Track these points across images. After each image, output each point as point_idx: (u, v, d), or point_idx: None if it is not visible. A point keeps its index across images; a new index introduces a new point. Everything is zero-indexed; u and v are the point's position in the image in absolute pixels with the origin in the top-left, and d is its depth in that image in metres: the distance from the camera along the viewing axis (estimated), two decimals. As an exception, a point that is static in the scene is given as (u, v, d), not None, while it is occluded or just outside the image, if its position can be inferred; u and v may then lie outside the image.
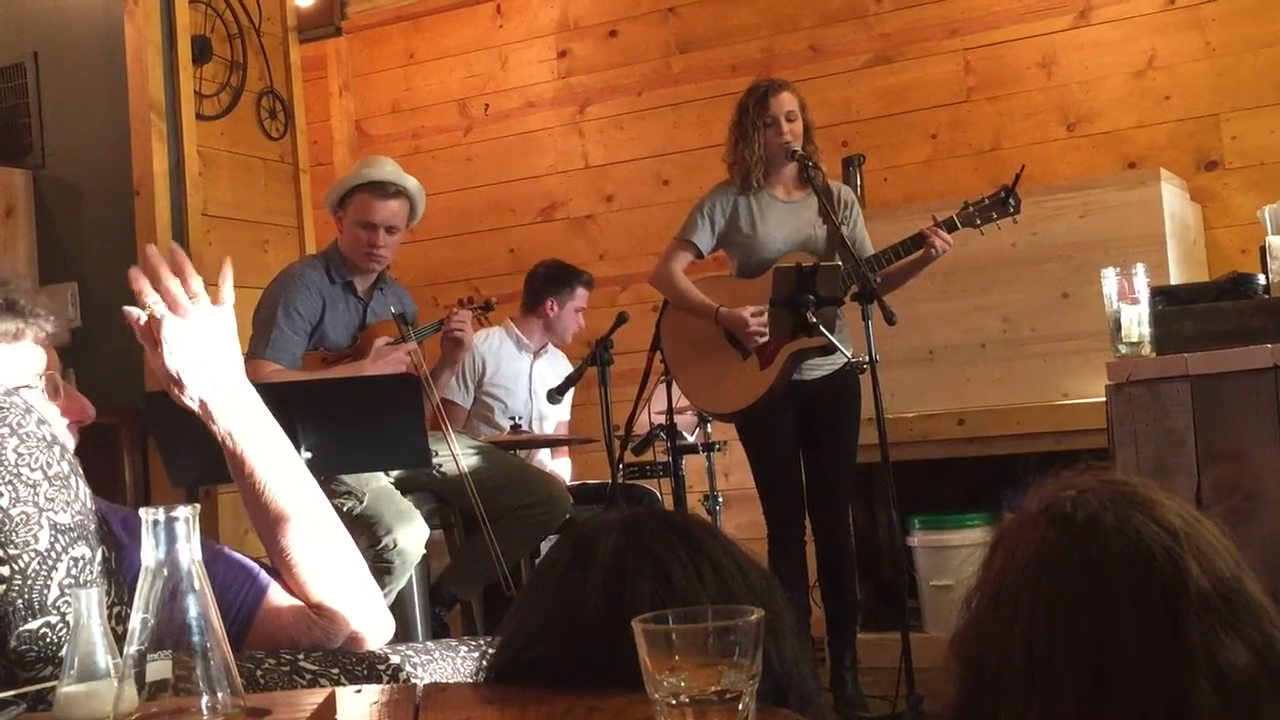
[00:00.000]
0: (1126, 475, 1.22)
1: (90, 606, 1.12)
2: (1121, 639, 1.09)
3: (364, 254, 4.02)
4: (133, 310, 1.52)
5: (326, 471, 3.47)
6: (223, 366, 1.53)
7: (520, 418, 4.71)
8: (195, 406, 1.53)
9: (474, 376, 4.90)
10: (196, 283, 1.53)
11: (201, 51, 4.44)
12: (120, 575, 1.42)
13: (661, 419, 4.39)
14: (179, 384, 1.51)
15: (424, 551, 3.88)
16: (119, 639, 1.07)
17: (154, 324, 1.49)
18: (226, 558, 1.58)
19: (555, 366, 5.11)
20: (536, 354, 5.05)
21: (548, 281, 5.04)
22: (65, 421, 1.63)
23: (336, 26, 6.05)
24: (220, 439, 1.54)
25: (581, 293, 5.05)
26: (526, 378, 4.98)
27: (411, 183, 4.10)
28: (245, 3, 4.66)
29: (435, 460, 3.96)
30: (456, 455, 3.92)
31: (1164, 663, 1.07)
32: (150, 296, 1.50)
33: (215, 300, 1.54)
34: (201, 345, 1.51)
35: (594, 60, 6.07)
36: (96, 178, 4.37)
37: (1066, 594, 1.12)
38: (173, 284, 1.50)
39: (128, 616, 1.04)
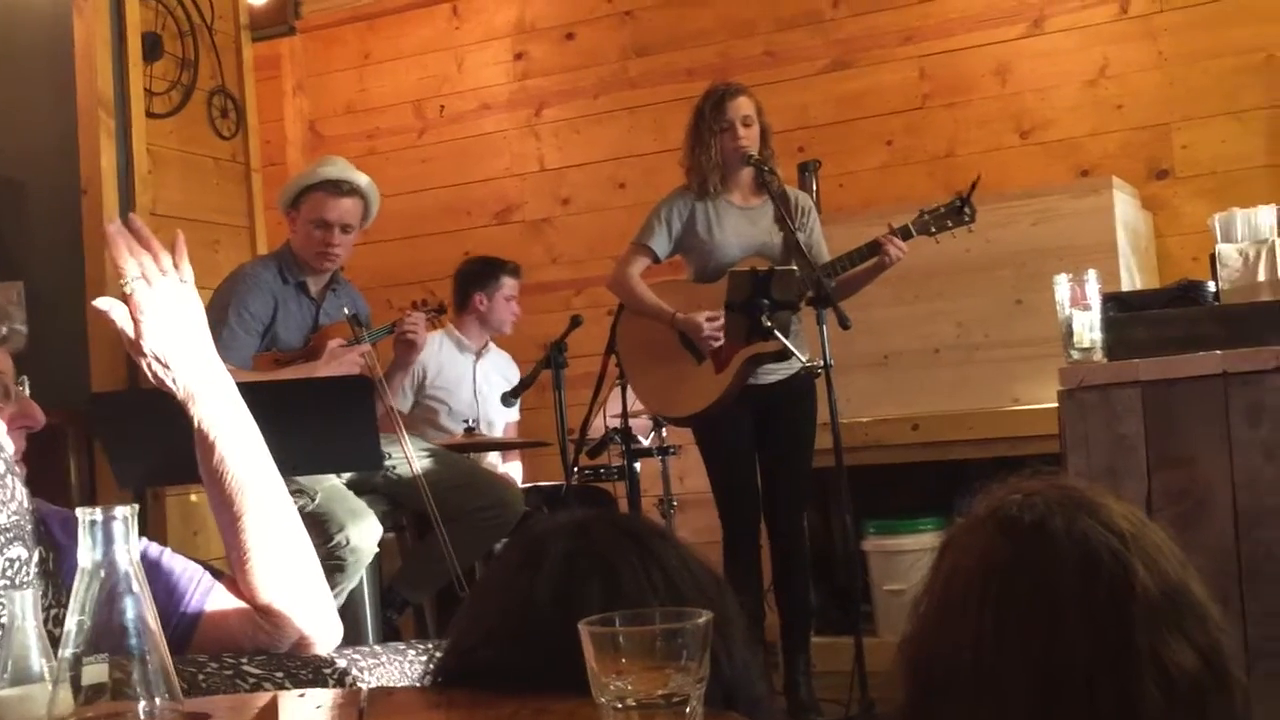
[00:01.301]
0: (1075, 480, 1.22)
1: (25, 608, 1.09)
2: (1069, 642, 1.09)
3: (318, 253, 3.99)
4: (102, 300, 1.46)
5: (279, 473, 3.44)
6: (202, 347, 1.49)
7: (470, 420, 4.68)
8: (179, 390, 1.47)
9: (414, 381, 4.86)
10: (166, 259, 1.48)
11: (152, 49, 4.39)
12: (58, 577, 1.39)
13: (616, 422, 4.38)
14: (163, 363, 1.45)
15: (377, 549, 3.85)
16: (55, 641, 1.05)
17: (131, 304, 1.44)
18: (170, 560, 1.55)
19: (500, 366, 5.09)
20: (479, 354, 5.03)
21: (472, 278, 5.03)
22: (3, 426, 1.58)
23: (290, 25, 6.00)
24: (197, 424, 1.49)
25: (508, 281, 5.02)
26: (470, 379, 4.96)
27: (365, 181, 4.08)
28: (198, 0, 4.61)
29: (388, 463, 3.93)
30: (410, 457, 3.89)
31: (1112, 665, 1.08)
32: (131, 272, 1.44)
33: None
34: (178, 322, 1.46)
35: (550, 63, 6.05)
36: (43, 176, 4.30)
37: (1014, 598, 1.11)
38: (144, 258, 1.45)
39: (64, 619, 1.02)
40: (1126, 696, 1.07)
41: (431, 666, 1.29)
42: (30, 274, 4.27)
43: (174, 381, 1.47)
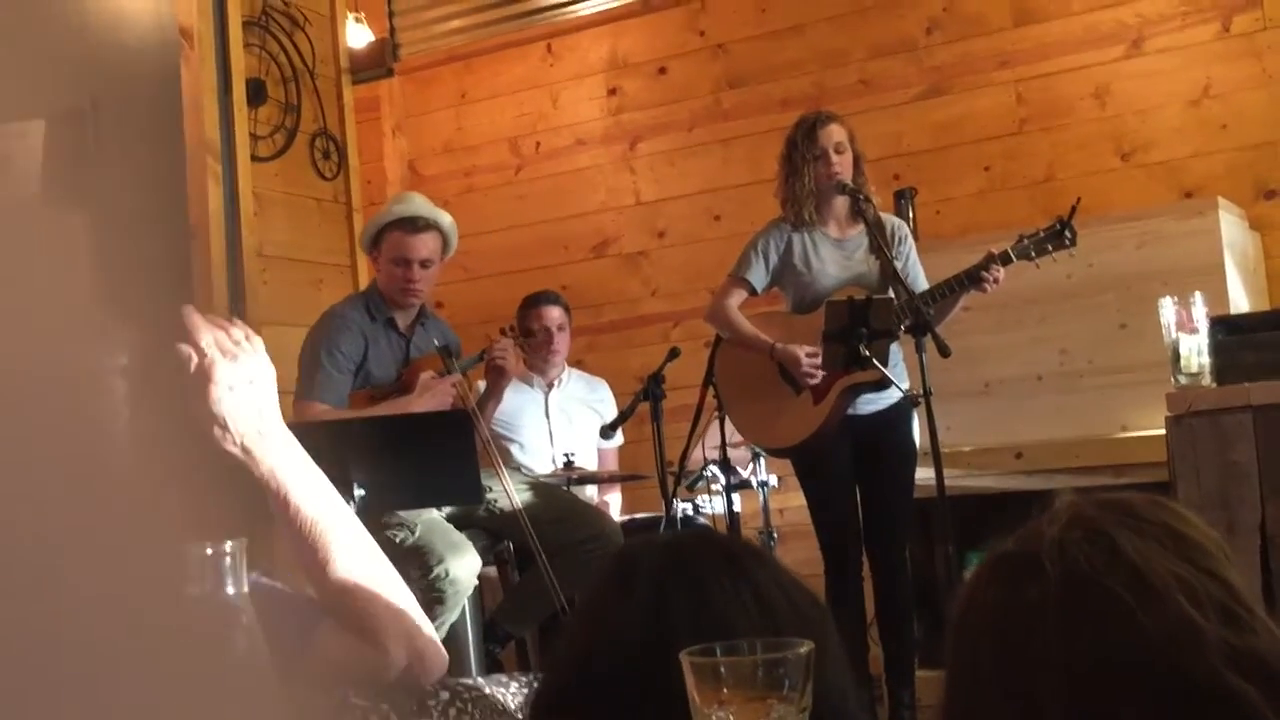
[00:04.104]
0: (1084, 507, 1.08)
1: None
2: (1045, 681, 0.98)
3: (401, 289, 4.07)
4: (185, 348, 1.53)
5: (379, 509, 3.49)
6: (265, 412, 1.54)
7: (572, 454, 4.70)
8: (237, 450, 1.53)
9: None
10: (238, 332, 1.55)
11: (256, 94, 4.51)
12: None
13: (715, 454, 4.37)
14: (223, 426, 1.51)
15: (476, 582, 3.88)
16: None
17: (205, 367, 1.50)
18: (279, 593, 1.58)
19: (580, 393, 5.08)
20: (551, 385, 5.04)
21: (517, 315, 5.04)
22: None
23: (389, 68, 6.11)
24: (263, 483, 1.54)
25: (542, 310, 5.01)
26: (541, 413, 4.97)
27: (442, 216, 4.15)
28: (300, 46, 4.72)
29: (488, 496, 3.96)
30: (509, 490, 3.92)
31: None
32: (205, 339, 1.51)
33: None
34: (248, 389, 1.52)
35: (644, 97, 6.09)
36: (154, 220, 4.42)
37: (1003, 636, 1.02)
38: (219, 333, 1.53)
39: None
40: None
41: (530, 698, 1.29)
42: (141, 315, 4.38)
43: (234, 444, 1.53)
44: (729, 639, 0.93)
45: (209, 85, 4.29)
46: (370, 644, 1.55)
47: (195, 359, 1.51)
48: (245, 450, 1.53)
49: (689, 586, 1.13)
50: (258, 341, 1.57)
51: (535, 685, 1.30)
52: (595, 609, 1.19)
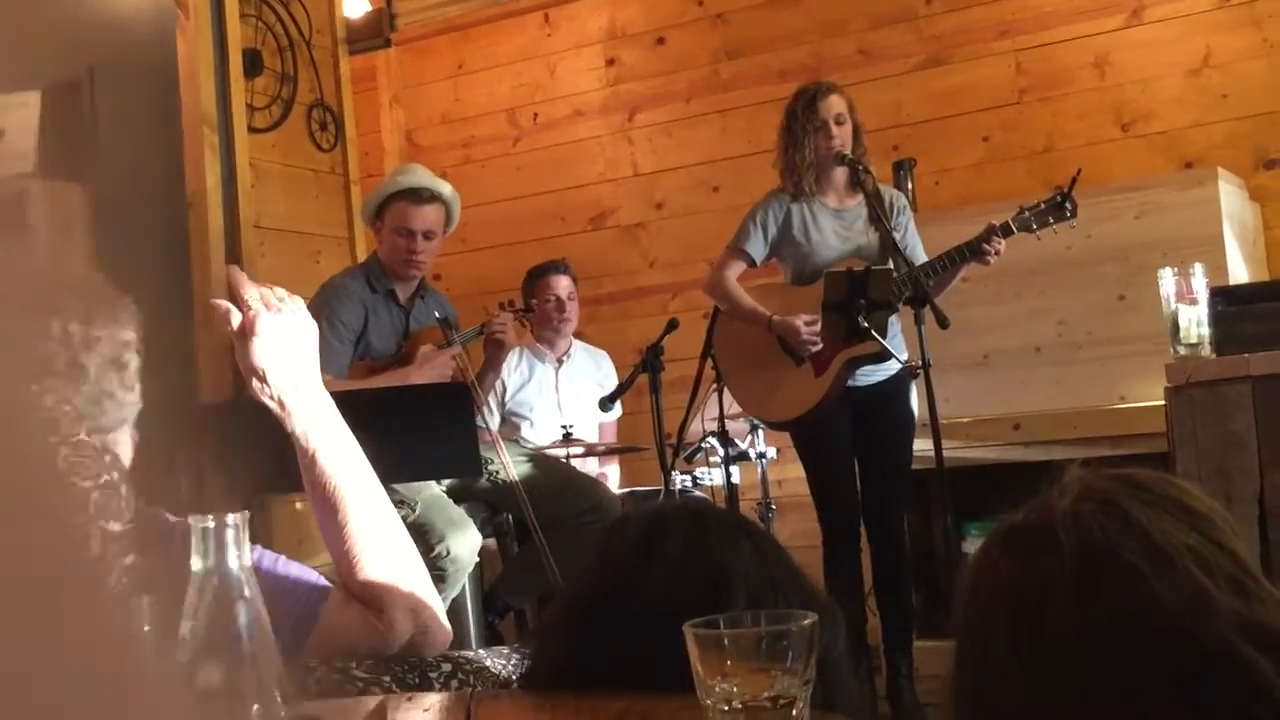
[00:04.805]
0: (1094, 480, 1.08)
1: (139, 616, 1.12)
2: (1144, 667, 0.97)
3: (404, 261, 4.06)
4: (223, 302, 1.56)
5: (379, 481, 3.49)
6: (304, 368, 1.57)
7: (570, 426, 4.71)
8: (274, 404, 1.55)
9: (496, 397, 4.90)
10: (280, 290, 1.59)
11: (253, 65, 4.48)
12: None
13: (713, 426, 4.37)
14: (262, 378, 1.53)
15: (477, 559, 3.89)
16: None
17: (249, 319, 1.53)
18: (284, 566, 1.59)
19: (586, 368, 5.09)
20: (561, 360, 5.04)
21: (526, 287, 5.04)
22: (126, 438, 1.64)
23: (386, 38, 6.07)
24: (294, 438, 1.56)
25: (551, 279, 4.99)
26: (553, 389, 4.97)
27: (446, 188, 4.13)
28: (296, 16, 4.69)
29: (488, 469, 3.97)
30: (507, 464, 3.92)
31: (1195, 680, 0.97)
32: (250, 294, 1.54)
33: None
34: (289, 344, 1.55)
35: (642, 68, 6.06)
36: (151, 191, 4.40)
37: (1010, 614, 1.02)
38: (263, 289, 1.56)
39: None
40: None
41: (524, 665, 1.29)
42: (139, 286, 4.37)
43: (270, 397, 1.54)
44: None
45: (205, 56, 4.27)
46: (376, 615, 1.56)
47: (240, 312, 1.53)
48: (280, 404, 1.54)
49: (712, 562, 1.13)
50: (299, 300, 1.59)
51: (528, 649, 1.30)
52: (615, 564, 1.18)
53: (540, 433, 4.86)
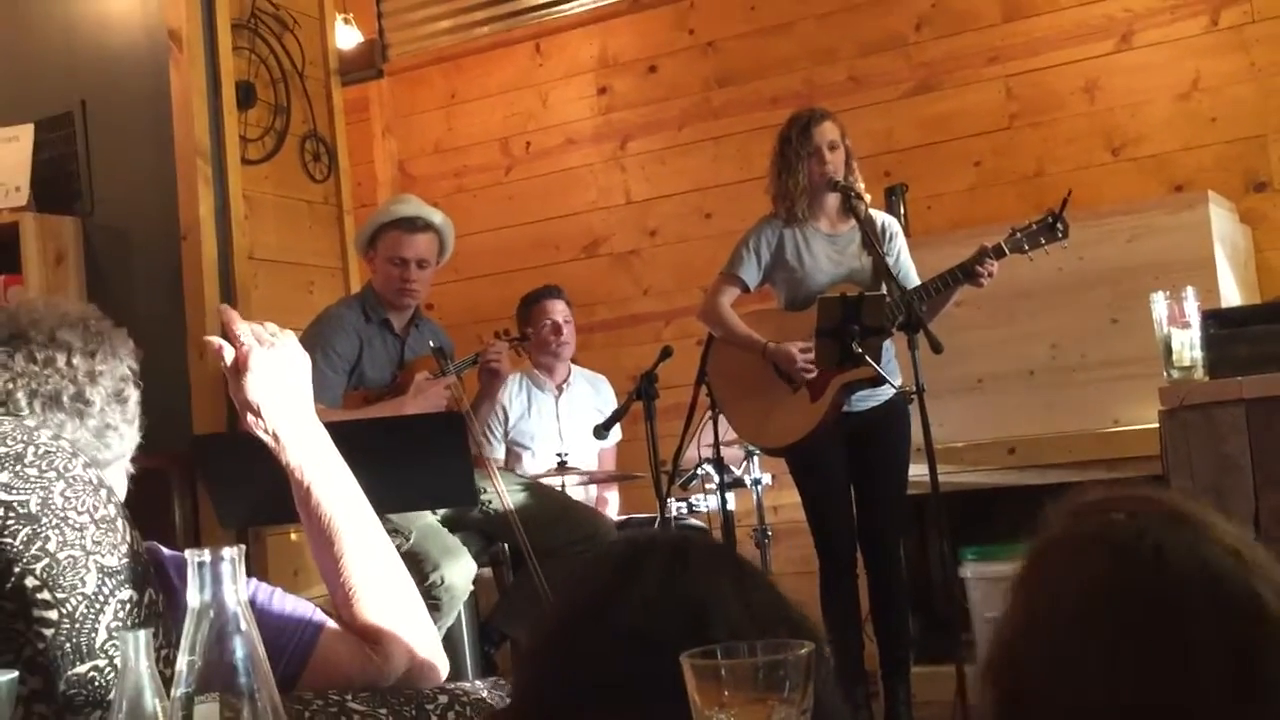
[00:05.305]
0: (1170, 492, 1.15)
1: (138, 649, 1.11)
2: (1197, 674, 1.00)
3: (397, 290, 4.07)
4: (216, 339, 1.58)
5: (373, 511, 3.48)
6: (298, 401, 1.59)
7: (566, 454, 4.71)
8: (268, 437, 1.56)
9: (499, 426, 4.90)
10: (272, 326, 1.62)
11: (246, 96, 4.49)
12: (169, 618, 1.42)
13: (709, 453, 4.37)
14: (257, 413, 1.55)
15: (472, 588, 3.88)
16: (167, 683, 1.07)
17: (243, 355, 1.55)
18: (280, 599, 1.59)
19: (585, 395, 5.09)
20: (560, 388, 5.04)
21: (520, 314, 5.04)
22: (121, 469, 1.65)
23: (378, 69, 6.09)
24: (290, 470, 1.57)
25: (547, 304, 4.99)
26: (554, 418, 4.97)
27: (438, 216, 4.14)
28: (288, 48, 4.71)
29: (482, 497, 3.96)
30: (502, 493, 3.91)
31: (1243, 699, 0.99)
32: (242, 330, 1.57)
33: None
34: (282, 378, 1.57)
35: (634, 96, 6.09)
36: (144, 223, 4.40)
37: (1133, 630, 1.03)
38: (254, 325, 1.59)
39: (175, 659, 1.04)
40: None
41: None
42: (133, 319, 4.36)
43: (265, 431, 1.56)
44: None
45: (198, 88, 4.27)
46: (372, 647, 1.55)
47: (233, 348, 1.55)
48: (275, 437, 1.56)
49: (692, 594, 1.11)
50: (290, 335, 1.62)
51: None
52: (590, 591, 1.16)
53: (541, 462, 4.86)
